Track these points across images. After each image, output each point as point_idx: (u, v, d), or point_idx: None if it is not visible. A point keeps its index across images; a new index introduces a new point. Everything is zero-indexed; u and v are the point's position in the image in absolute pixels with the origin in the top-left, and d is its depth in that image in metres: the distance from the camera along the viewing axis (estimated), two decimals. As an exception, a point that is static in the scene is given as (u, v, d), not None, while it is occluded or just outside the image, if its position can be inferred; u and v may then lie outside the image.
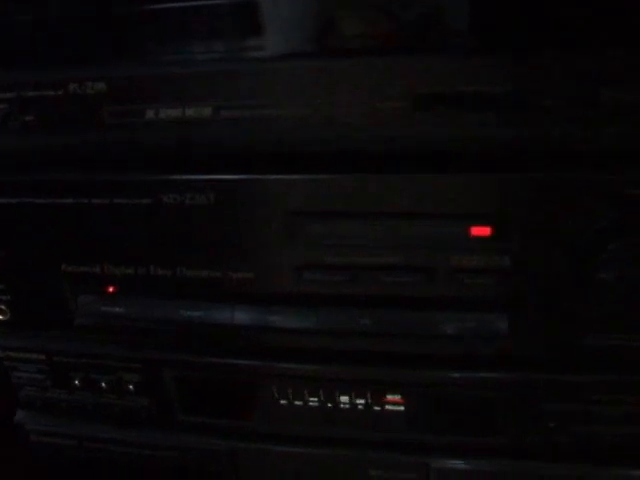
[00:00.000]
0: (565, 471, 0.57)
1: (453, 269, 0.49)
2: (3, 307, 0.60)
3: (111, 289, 0.58)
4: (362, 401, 0.58)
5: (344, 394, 0.58)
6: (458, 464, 0.59)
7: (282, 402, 0.60)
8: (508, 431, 0.56)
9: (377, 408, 0.59)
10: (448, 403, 0.57)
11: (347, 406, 0.59)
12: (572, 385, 0.53)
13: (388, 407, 0.59)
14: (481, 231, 0.48)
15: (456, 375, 0.55)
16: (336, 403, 0.59)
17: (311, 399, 0.59)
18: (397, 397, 0.58)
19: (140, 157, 0.50)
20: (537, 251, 0.47)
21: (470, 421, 0.57)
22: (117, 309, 0.58)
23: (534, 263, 0.48)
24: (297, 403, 0.60)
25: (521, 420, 0.55)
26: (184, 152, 0.48)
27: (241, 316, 0.56)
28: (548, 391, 0.53)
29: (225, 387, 0.61)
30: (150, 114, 0.47)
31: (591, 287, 0.47)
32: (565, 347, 0.51)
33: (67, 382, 0.64)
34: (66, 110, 0.48)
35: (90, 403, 0.64)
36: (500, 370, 0.54)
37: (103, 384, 0.63)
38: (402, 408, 0.58)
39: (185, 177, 0.50)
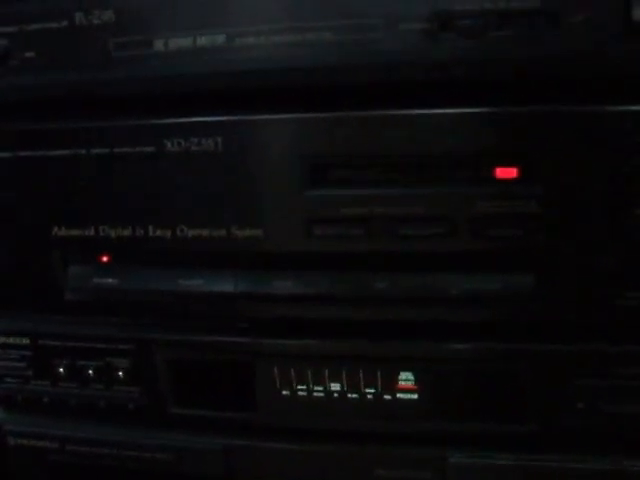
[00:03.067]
0: (597, 465, 0.51)
1: (476, 218, 0.45)
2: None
3: (105, 258, 0.54)
4: (371, 386, 0.53)
5: (351, 375, 0.52)
6: (480, 458, 0.53)
7: (284, 392, 0.55)
8: (535, 416, 0.50)
9: (387, 397, 0.53)
10: (467, 384, 0.51)
11: (354, 395, 0.54)
12: (604, 357, 0.48)
13: (400, 395, 0.53)
14: (507, 173, 0.44)
15: (477, 346, 0.50)
16: (342, 389, 0.53)
17: (315, 383, 0.54)
18: (410, 383, 0.53)
19: (144, 99, 0.47)
20: (568, 195, 0.44)
21: (493, 405, 0.51)
22: (110, 280, 0.53)
23: (565, 209, 0.44)
24: (300, 393, 0.54)
25: (548, 401, 0.50)
26: (193, 88, 0.45)
27: (244, 283, 0.51)
28: (577, 364, 0.48)
29: (221, 373, 0.55)
30: (159, 45, 0.44)
31: (627, 234, 0.43)
32: (599, 311, 0.46)
33: (51, 371, 0.58)
34: (69, 44, 0.45)
35: (74, 396, 0.58)
36: (526, 340, 0.49)
37: (90, 372, 0.57)
38: (415, 396, 0.53)
39: (191, 119, 0.47)
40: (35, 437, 0.61)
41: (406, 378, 0.52)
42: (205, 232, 0.49)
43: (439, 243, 0.46)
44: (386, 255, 0.47)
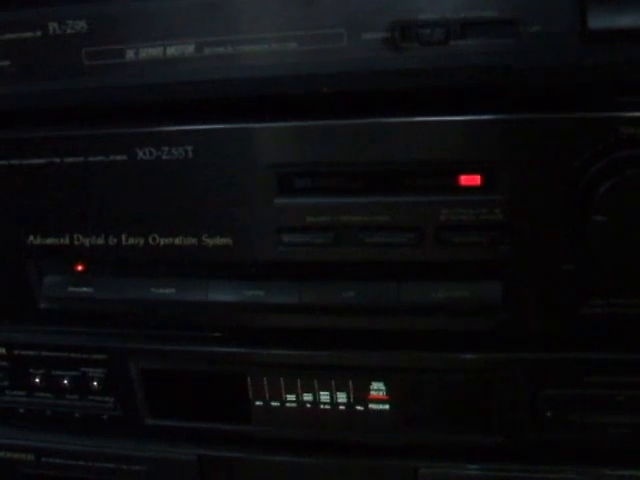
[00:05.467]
0: (567, 475, 0.50)
1: (441, 225, 0.44)
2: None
3: (80, 267, 0.53)
4: (344, 395, 0.52)
5: (324, 384, 0.52)
6: (449, 469, 0.52)
7: (257, 403, 0.54)
8: (504, 426, 0.50)
9: (360, 407, 0.52)
10: (438, 395, 0.50)
11: (327, 406, 0.53)
12: (570, 365, 0.47)
13: (372, 406, 0.52)
14: (471, 180, 0.44)
15: (446, 356, 0.49)
16: (315, 398, 0.52)
17: (288, 394, 0.53)
18: (381, 393, 0.52)
19: (116, 108, 0.47)
20: (531, 202, 0.43)
21: (462, 415, 0.51)
22: (85, 289, 0.53)
23: (528, 217, 0.44)
24: (273, 404, 0.54)
25: (517, 411, 0.49)
26: (163, 97, 0.45)
27: (216, 292, 0.50)
28: (544, 373, 0.48)
29: (194, 383, 0.54)
30: (130, 54, 0.44)
31: (587, 240, 0.43)
32: (566, 319, 0.46)
33: (27, 381, 0.57)
34: (44, 53, 0.45)
35: (50, 405, 0.57)
36: (494, 349, 0.48)
37: (65, 381, 0.56)
38: (387, 406, 0.52)
39: (162, 129, 0.46)
40: (10, 449, 0.60)
41: (377, 388, 0.51)
42: (177, 241, 0.49)
43: (406, 251, 0.45)
44: (354, 264, 0.47)
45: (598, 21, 0.38)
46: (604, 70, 0.39)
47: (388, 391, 0.51)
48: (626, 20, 0.38)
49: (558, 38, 0.39)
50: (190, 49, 0.43)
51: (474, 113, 0.42)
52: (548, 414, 0.48)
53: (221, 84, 0.44)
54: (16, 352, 0.56)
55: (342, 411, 0.52)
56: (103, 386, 0.55)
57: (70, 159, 0.48)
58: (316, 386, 0.52)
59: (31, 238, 0.51)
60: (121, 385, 0.55)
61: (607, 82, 0.40)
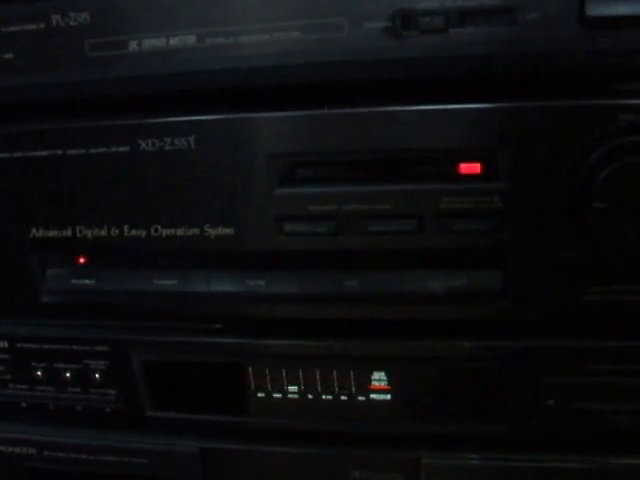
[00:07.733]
0: (568, 464, 0.50)
1: (442, 213, 0.45)
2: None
3: (82, 260, 0.53)
4: (345, 386, 0.52)
5: (325, 374, 0.52)
6: (452, 460, 0.52)
7: (259, 394, 0.54)
8: (506, 414, 0.50)
9: (361, 398, 0.53)
10: (439, 384, 0.51)
11: (329, 396, 0.53)
12: (572, 353, 0.47)
13: (373, 396, 0.52)
14: (471, 169, 0.44)
15: (448, 345, 0.49)
16: (317, 389, 0.52)
17: (289, 385, 0.53)
18: (383, 383, 0.52)
19: (119, 99, 0.47)
20: (531, 190, 0.44)
21: (464, 405, 0.51)
22: (87, 281, 0.53)
23: (528, 204, 0.44)
24: (275, 395, 0.54)
25: (519, 399, 0.49)
26: (166, 88, 0.45)
27: (218, 282, 0.51)
28: (545, 361, 0.48)
29: (196, 375, 0.55)
30: (133, 45, 0.44)
31: (588, 227, 0.43)
32: (564, 306, 0.46)
33: (29, 375, 0.57)
34: (47, 45, 0.46)
35: (52, 398, 0.57)
36: (494, 337, 0.48)
37: (67, 374, 0.56)
38: (388, 397, 0.52)
39: (165, 119, 0.47)
40: (12, 443, 0.60)
41: (379, 378, 0.51)
42: (179, 231, 0.49)
43: (407, 239, 0.46)
44: (355, 253, 0.47)
45: (595, 8, 0.39)
46: (602, 57, 0.40)
47: (389, 381, 0.51)
48: (623, 7, 0.38)
49: (556, 25, 0.39)
50: (192, 40, 0.43)
51: (473, 101, 0.43)
52: (550, 402, 0.48)
53: (223, 74, 0.44)
54: (18, 345, 0.56)
55: (344, 401, 0.52)
56: (105, 379, 0.55)
57: (72, 151, 0.48)
58: (318, 376, 0.52)
59: (33, 231, 0.51)
60: (123, 377, 0.55)
61: (606, 69, 0.40)
